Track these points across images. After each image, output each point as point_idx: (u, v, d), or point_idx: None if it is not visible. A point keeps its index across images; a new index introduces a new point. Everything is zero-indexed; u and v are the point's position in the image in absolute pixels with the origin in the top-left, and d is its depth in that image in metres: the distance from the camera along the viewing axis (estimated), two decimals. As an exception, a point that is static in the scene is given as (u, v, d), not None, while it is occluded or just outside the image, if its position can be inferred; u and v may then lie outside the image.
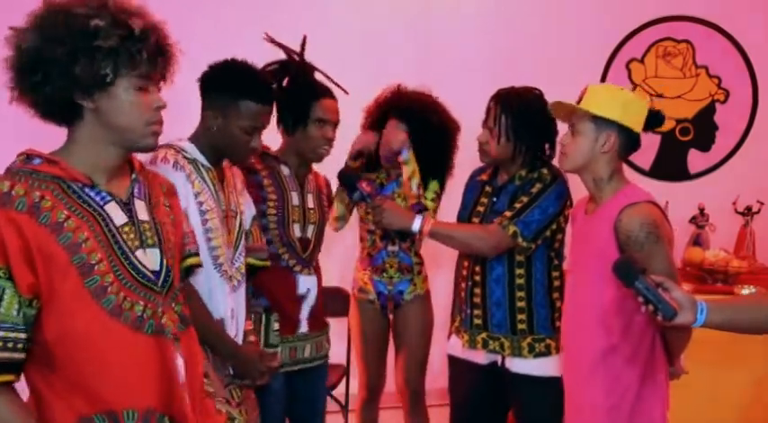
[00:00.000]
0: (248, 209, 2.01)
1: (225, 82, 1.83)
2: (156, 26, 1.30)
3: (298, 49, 2.22)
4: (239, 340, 1.90)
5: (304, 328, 2.22)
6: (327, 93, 2.22)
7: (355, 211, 2.61)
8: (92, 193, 1.27)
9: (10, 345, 1.17)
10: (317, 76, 2.24)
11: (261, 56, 2.09)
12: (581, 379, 1.91)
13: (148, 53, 1.27)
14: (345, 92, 2.28)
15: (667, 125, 3.67)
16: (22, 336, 1.18)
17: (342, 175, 2.29)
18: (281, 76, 2.20)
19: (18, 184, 1.20)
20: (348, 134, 2.53)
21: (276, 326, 2.14)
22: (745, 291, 2.98)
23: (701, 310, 1.48)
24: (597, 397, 1.86)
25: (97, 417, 1.24)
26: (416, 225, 2.18)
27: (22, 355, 1.19)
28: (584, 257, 1.91)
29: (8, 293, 1.16)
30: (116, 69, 1.24)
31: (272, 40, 2.17)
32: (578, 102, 1.89)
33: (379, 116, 2.53)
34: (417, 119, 2.44)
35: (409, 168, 2.42)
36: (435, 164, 2.52)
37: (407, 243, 2.56)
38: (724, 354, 2.37)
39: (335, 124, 2.24)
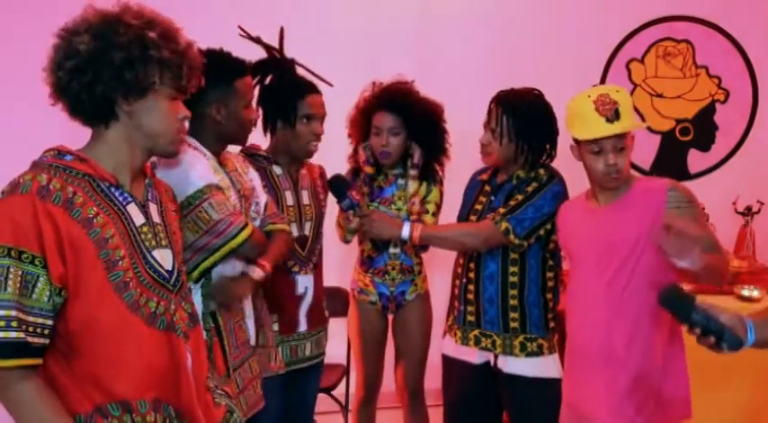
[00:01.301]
0: (258, 185, 2.03)
1: (216, 73, 1.80)
2: (193, 45, 1.42)
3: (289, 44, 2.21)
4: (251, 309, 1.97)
5: (303, 326, 2.24)
6: (312, 88, 2.20)
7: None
8: (116, 193, 1.36)
9: (39, 330, 1.23)
10: (300, 70, 2.23)
11: (257, 51, 2.10)
12: (605, 379, 1.90)
13: (188, 67, 1.38)
14: (329, 84, 2.27)
15: (667, 125, 3.68)
16: (50, 323, 1.24)
17: (332, 183, 2.27)
18: (262, 74, 2.18)
19: (54, 179, 1.27)
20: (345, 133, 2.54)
21: (276, 326, 2.17)
22: (746, 291, 2.98)
23: (749, 328, 1.38)
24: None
25: (111, 405, 1.30)
26: (405, 233, 2.19)
27: (47, 341, 1.25)
28: (608, 254, 1.89)
29: (42, 281, 1.22)
30: (161, 79, 1.36)
31: (249, 36, 2.14)
32: (614, 115, 1.84)
33: (364, 120, 2.51)
34: (405, 106, 2.43)
35: (415, 185, 2.50)
36: (431, 146, 2.51)
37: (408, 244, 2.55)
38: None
39: (322, 118, 2.23)
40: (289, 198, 2.21)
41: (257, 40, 2.15)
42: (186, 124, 1.46)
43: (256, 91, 2.19)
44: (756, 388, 2.76)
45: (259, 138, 2.21)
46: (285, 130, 2.19)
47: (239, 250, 1.78)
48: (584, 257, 1.98)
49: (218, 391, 1.55)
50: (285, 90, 2.16)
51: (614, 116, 1.83)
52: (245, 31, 2.14)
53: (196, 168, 1.72)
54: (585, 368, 1.95)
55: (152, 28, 1.33)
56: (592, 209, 1.97)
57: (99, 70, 1.30)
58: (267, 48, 2.18)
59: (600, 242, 1.92)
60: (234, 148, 2.08)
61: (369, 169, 2.51)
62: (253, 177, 2.03)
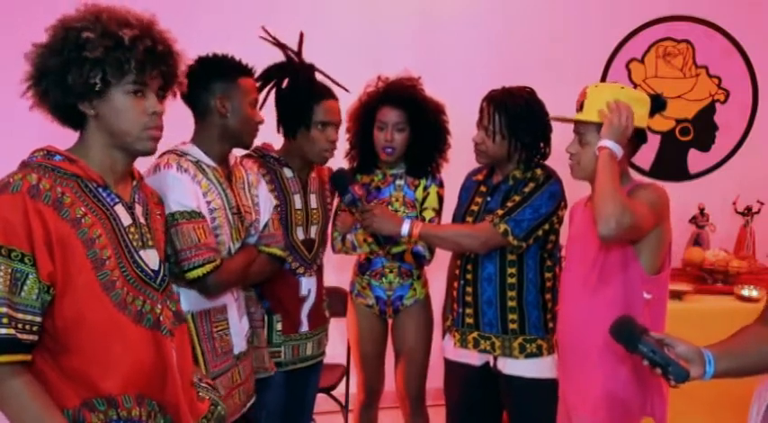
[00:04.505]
0: (264, 202, 2.03)
1: (221, 68, 1.87)
2: (149, 34, 1.37)
3: (295, 46, 2.20)
4: (245, 325, 1.98)
5: (305, 327, 2.26)
6: (328, 94, 2.20)
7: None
8: (104, 194, 1.38)
9: (27, 327, 1.25)
10: (317, 75, 2.22)
11: (261, 53, 2.10)
12: (584, 370, 1.92)
13: (137, 61, 1.35)
14: (346, 90, 2.27)
15: (667, 125, 3.68)
16: (38, 320, 1.26)
17: (334, 177, 2.27)
18: (280, 77, 2.19)
19: (44, 179, 1.29)
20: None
21: (279, 326, 2.20)
22: (745, 291, 2.98)
23: (708, 360, 1.36)
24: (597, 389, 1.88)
25: (97, 400, 1.32)
26: (405, 229, 2.19)
27: (36, 338, 1.27)
28: (586, 250, 1.90)
29: (31, 279, 1.24)
30: (104, 78, 1.33)
31: (270, 38, 2.15)
32: (579, 106, 1.89)
33: (366, 114, 2.47)
34: (412, 102, 2.41)
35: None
36: (433, 145, 2.49)
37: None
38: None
39: (338, 125, 2.24)
40: (297, 201, 2.22)
41: (279, 44, 2.15)
42: (160, 120, 1.43)
43: (270, 94, 2.21)
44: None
45: (262, 139, 2.21)
46: (300, 135, 2.19)
47: (195, 285, 1.78)
48: (568, 254, 2.02)
49: (203, 385, 1.59)
50: (301, 94, 2.16)
51: (579, 107, 1.88)
52: (268, 33, 2.14)
53: (174, 192, 1.73)
54: (570, 363, 1.98)
55: (90, 27, 1.32)
56: (586, 207, 1.98)
57: (47, 79, 1.33)
58: (287, 51, 2.18)
59: (581, 239, 1.94)
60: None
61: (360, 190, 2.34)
62: (260, 194, 2.03)
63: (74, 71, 1.31)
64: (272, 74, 2.18)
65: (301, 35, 2.20)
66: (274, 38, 2.15)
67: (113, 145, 1.39)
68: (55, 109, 1.37)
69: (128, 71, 1.35)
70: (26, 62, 1.36)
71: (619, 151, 1.76)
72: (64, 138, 1.45)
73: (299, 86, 2.17)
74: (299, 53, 2.20)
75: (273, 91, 2.21)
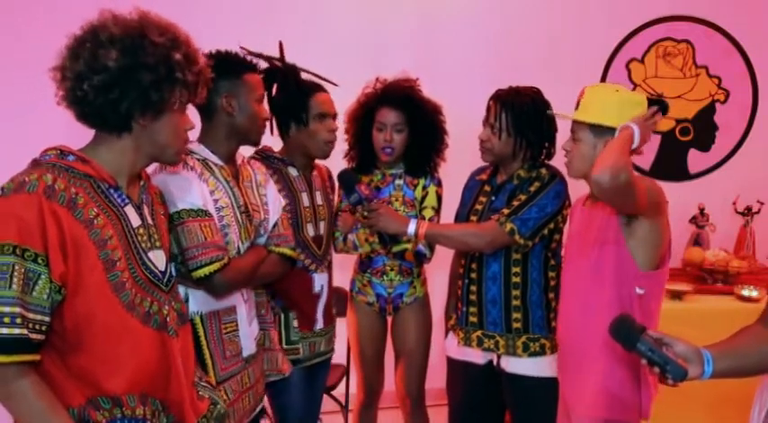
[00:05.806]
0: (273, 202, 2.03)
1: (226, 66, 1.84)
2: (206, 62, 1.46)
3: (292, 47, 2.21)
4: (255, 327, 1.96)
5: (320, 324, 2.28)
6: (318, 87, 2.24)
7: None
8: (115, 194, 1.38)
9: (37, 327, 1.25)
10: (305, 74, 2.24)
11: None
12: (582, 368, 1.91)
13: (203, 86, 1.44)
14: (334, 84, 2.28)
15: (667, 125, 3.68)
16: (47, 320, 1.27)
17: (341, 177, 2.29)
18: (270, 83, 2.19)
19: (59, 179, 1.30)
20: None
21: (296, 323, 2.22)
22: (745, 291, 2.98)
23: (706, 360, 1.37)
24: (596, 386, 1.87)
25: (102, 399, 1.33)
26: (412, 229, 2.20)
27: (43, 337, 1.27)
28: (583, 248, 1.91)
29: (43, 279, 1.25)
30: (181, 97, 1.39)
31: (249, 51, 2.14)
32: (577, 105, 1.90)
33: (365, 115, 2.48)
34: (410, 103, 2.42)
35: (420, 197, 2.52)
36: (431, 146, 2.50)
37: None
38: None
39: (335, 116, 2.27)
40: (305, 200, 2.24)
41: (259, 55, 2.15)
42: (189, 134, 1.51)
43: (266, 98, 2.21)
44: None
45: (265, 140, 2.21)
46: (300, 131, 2.21)
47: (202, 284, 1.75)
48: (567, 253, 2.02)
49: (202, 384, 1.60)
50: (293, 92, 2.18)
51: (577, 106, 1.90)
52: (246, 49, 2.15)
53: (180, 190, 1.72)
54: (568, 361, 1.98)
55: (177, 48, 1.37)
56: (583, 206, 2.00)
57: (127, 89, 1.33)
58: (269, 59, 2.19)
59: (579, 237, 1.94)
60: (246, 150, 2.07)
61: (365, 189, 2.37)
62: (269, 194, 2.02)
63: (164, 90, 1.36)
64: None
65: (281, 45, 2.21)
66: (255, 52, 2.14)
67: (148, 153, 1.43)
68: (113, 116, 1.35)
69: (194, 94, 1.45)
70: (81, 57, 1.32)
71: (638, 139, 1.74)
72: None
73: (289, 87, 2.19)
74: (282, 59, 2.21)
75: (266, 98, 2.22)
